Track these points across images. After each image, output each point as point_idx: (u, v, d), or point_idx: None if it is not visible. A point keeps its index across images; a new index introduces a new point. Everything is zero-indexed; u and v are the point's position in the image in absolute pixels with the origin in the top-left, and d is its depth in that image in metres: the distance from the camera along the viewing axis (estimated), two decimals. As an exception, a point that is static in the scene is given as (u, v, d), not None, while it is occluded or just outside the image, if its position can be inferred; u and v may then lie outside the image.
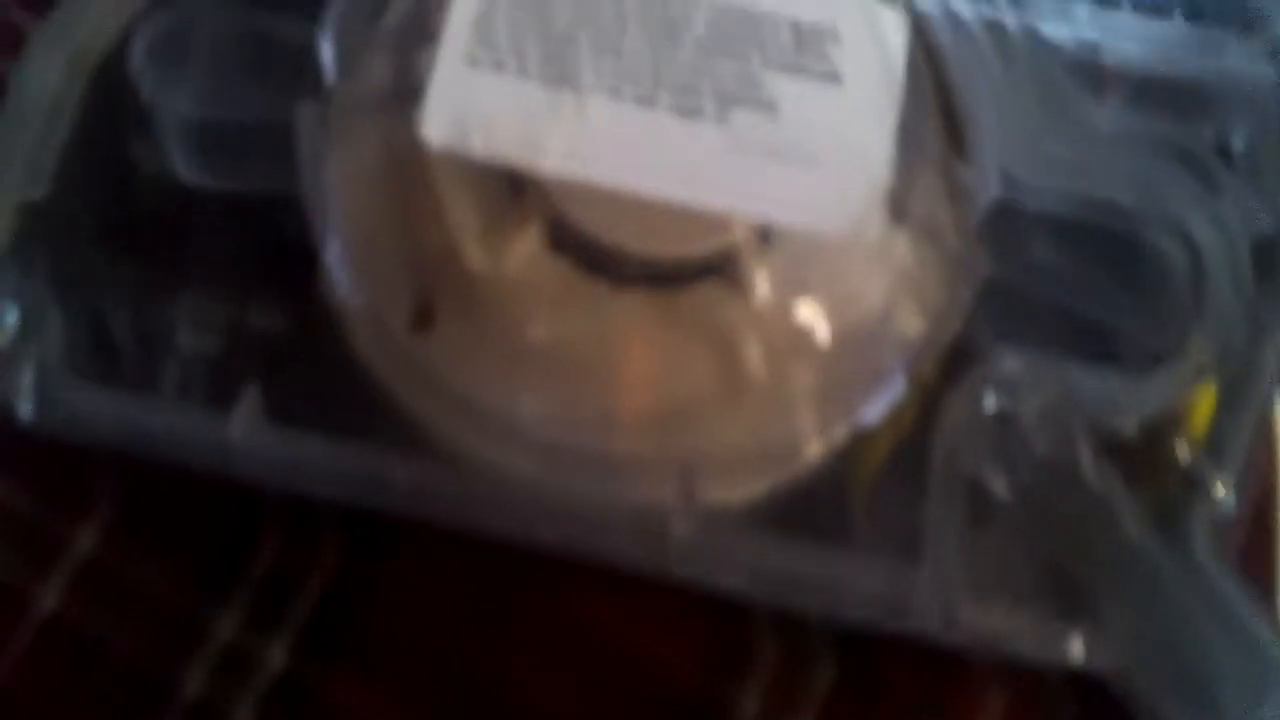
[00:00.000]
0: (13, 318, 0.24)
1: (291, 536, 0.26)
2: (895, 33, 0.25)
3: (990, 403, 0.25)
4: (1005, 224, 0.26)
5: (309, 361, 0.25)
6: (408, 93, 0.24)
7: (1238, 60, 0.27)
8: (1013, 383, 0.25)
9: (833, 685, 0.26)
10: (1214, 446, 0.24)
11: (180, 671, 0.26)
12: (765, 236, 0.24)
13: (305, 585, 0.26)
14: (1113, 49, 0.28)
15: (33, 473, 0.27)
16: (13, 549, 0.27)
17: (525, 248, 0.24)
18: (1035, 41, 0.28)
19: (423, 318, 0.25)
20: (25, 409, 0.24)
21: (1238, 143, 0.27)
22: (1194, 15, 0.29)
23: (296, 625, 0.26)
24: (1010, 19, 0.28)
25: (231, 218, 0.25)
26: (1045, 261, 0.26)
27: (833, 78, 0.25)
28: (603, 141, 0.24)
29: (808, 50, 0.25)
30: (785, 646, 0.26)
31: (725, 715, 0.26)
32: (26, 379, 0.24)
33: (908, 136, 0.25)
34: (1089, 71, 0.28)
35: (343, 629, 0.26)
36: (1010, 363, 0.25)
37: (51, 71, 0.25)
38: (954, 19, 0.27)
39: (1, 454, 0.27)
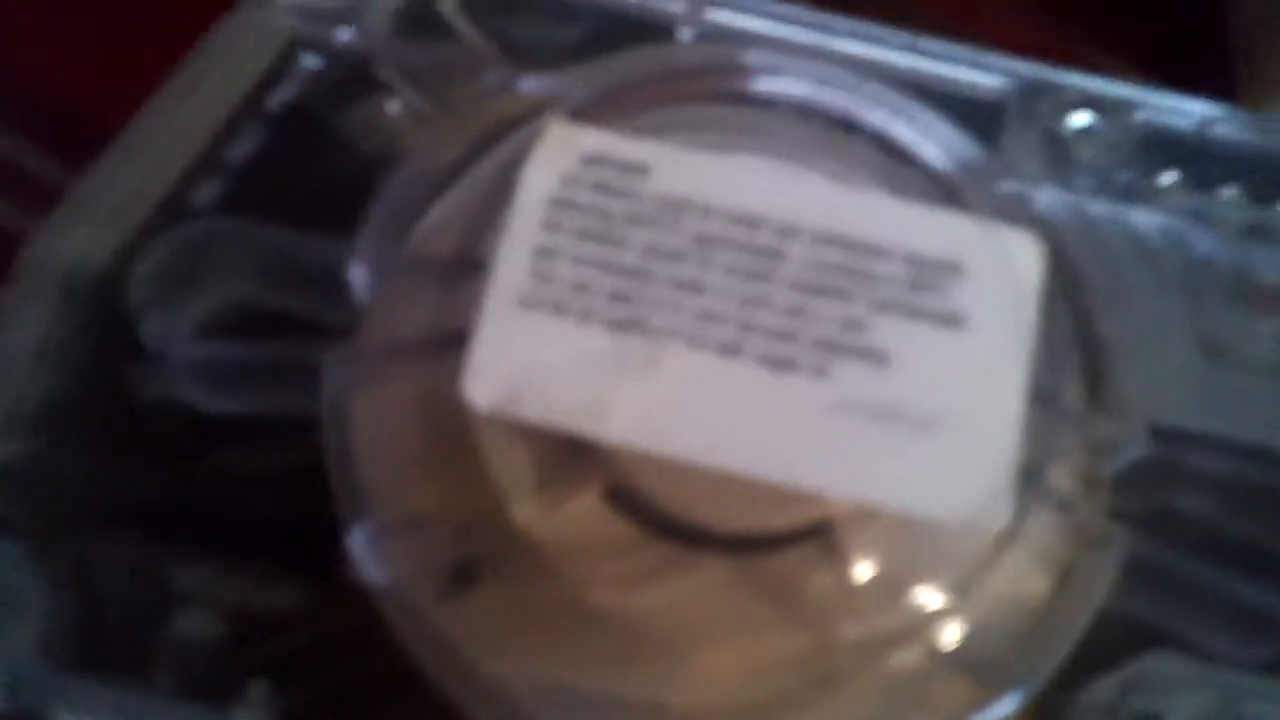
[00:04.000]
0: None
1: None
2: (1029, 262, 0.22)
3: (1134, 704, 0.21)
4: (1152, 481, 0.22)
5: (327, 649, 0.21)
6: (450, 335, 0.21)
7: None
8: (1161, 684, 0.21)
9: None
10: None
11: None
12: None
13: None
14: (1272, 261, 0.24)
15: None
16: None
17: (584, 504, 0.21)
18: (1185, 256, 0.24)
19: (461, 581, 0.21)
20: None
21: None
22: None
23: None
24: (1151, 223, 0.24)
25: (242, 480, 0.21)
26: (1201, 528, 0.22)
27: (955, 321, 0.21)
28: (679, 403, 0.20)
29: (926, 288, 0.21)
30: None
31: None
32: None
33: (1043, 390, 0.21)
34: (1242, 290, 0.24)
35: None
36: (1158, 663, 0.21)
37: (40, 303, 0.22)
38: (1091, 233, 0.23)
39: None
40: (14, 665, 0.20)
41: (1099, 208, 0.24)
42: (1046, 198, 0.24)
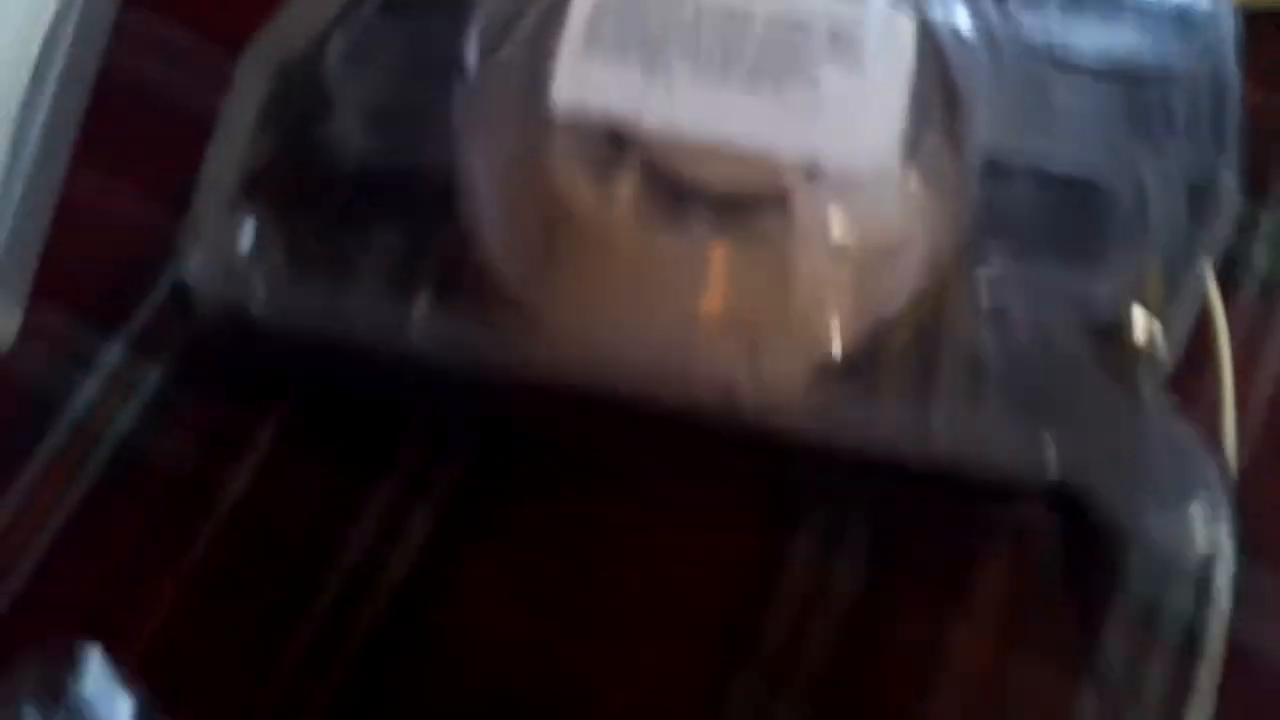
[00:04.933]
0: (248, 241, 0.32)
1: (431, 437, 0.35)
2: (906, 34, 0.33)
3: (986, 297, 0.33)
4: (996, 172, 0.34)
5: (463, 274, 0.33)
6: (537, 81, 0.32)
7: (1178, 49, 0.35)
8: (1004, 280, 0.33)
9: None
10: (1160, 322, 0.32)
11: (340, 542, 0.34)
12: (811, 176, 0.32)
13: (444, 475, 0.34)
14: (1079, 38, 0.36)
15: (220, 381, 0.35)
16: (207, 444, 0.35)
17: (625, 191, 0.32)
18: (1019, 43, 0.36)
19: (549, 247, 0.33)
20: (257, 306, 0.31)
21: (1177, 110, 0.34)
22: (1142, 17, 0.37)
23: (438, 504, 0.34)
24: (998, 23, 0.36)
25: (402, 184, 0.33)
26: (1029, 197, 0.34)
27: (859, 64, 0.33)
28: (688, 107, 0.32)
29: (840, 45, 0.33)
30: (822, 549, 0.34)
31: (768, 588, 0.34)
32: (258, 284, 0.31)
33: (917, 107, 0.33)
34: (1060, 55, 0.36)
35: (475, 515, 0.34)
36: (1002, 264, 0.33)
37: (264, 74, 0.33)
38: (954, 30, 0.35)
39: (195, 369, 0.35)
40: (272, 280, 0.32)
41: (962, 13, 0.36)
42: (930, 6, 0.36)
